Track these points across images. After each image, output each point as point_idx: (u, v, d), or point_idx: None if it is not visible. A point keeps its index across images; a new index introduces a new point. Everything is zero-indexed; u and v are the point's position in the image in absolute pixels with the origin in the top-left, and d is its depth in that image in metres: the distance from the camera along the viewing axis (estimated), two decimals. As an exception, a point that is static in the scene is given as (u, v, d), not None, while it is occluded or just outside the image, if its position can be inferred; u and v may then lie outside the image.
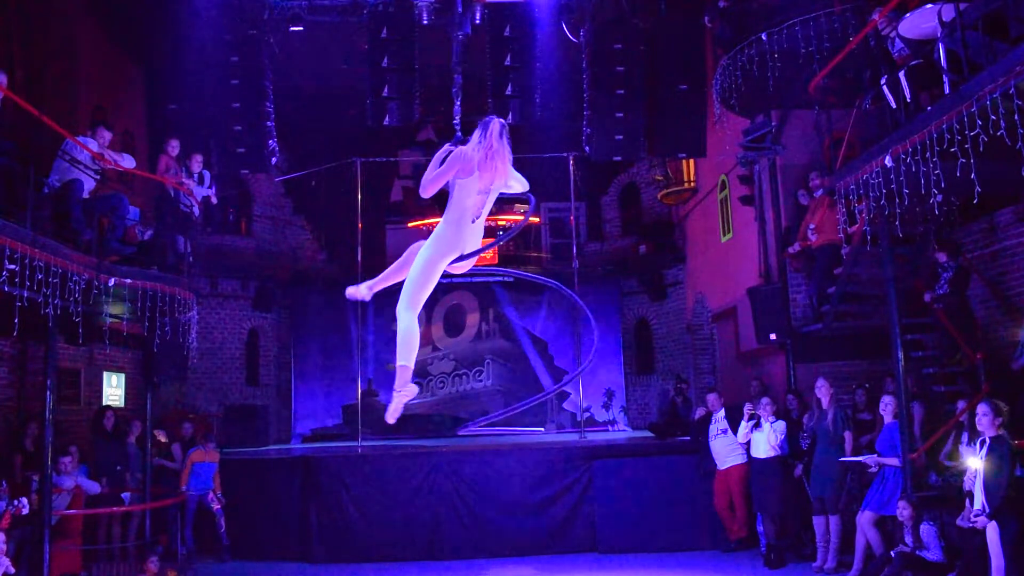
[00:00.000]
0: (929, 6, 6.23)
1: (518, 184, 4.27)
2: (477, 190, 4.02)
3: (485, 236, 4.37)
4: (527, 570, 9.26)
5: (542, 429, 5.12)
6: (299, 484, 10.16)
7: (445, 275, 4.20)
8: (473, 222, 4.07)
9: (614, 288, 15.62)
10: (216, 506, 9.87)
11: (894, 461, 7.49)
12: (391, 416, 4.00)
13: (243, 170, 11.99)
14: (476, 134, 4.03)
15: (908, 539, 6.78)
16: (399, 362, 3.91)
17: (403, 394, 3.91)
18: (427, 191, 4.12)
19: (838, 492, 8.32)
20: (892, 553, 6.93)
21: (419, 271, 4.00)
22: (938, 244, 8.04)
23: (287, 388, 14.98)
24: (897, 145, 6.28)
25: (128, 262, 8.13)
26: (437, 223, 4.17)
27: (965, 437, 7.13)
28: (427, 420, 14.59)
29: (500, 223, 14.17)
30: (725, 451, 9.29)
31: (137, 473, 9.75)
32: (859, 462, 8.00)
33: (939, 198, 6.10)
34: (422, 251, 4.06)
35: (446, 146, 4.15)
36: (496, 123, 4.04)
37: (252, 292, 14.56)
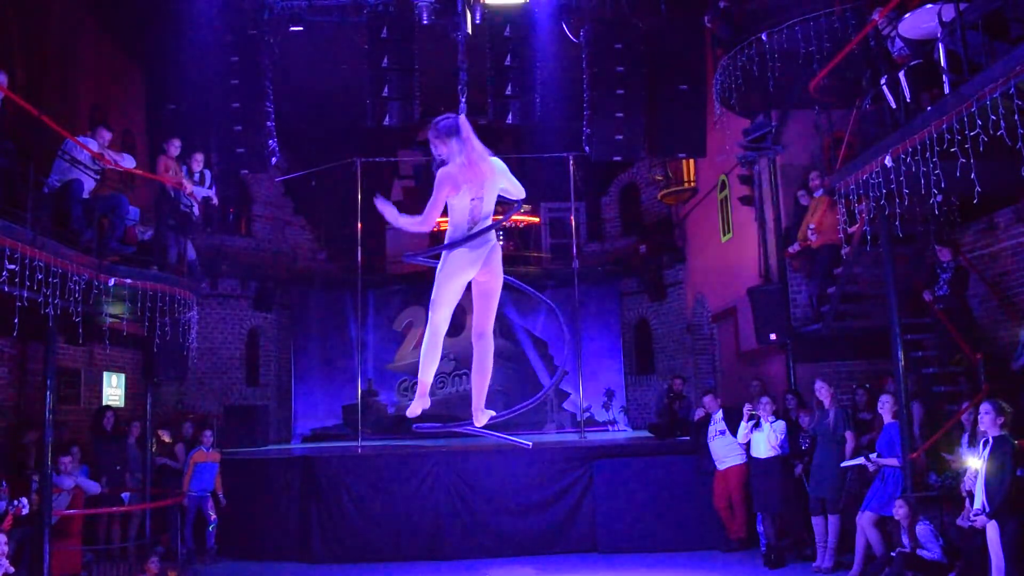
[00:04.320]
0: (929, 6, 6.23)
1: (514, 188, 3.99)
2: (470, 198, 3.79)
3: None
4: (527, 570, 9.26)
5: (528, 444, 4.98)
6: (299, 484, 10.15)
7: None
8: (470, 231, 3.79)
9: (614, 288, 15.62)
10: (213, 516, 9.90)
11: (893, 462, 7.49)
12: (409, 412, 4.10)
13: (243, 170, 11.98)
14: (452, 144, 3.76)
15: (904, 538, 6.78)
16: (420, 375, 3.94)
17: (415, 405, 3.99)
18: (428, 223, 3.81)
19: (838, 492, 8.32)
20: (893, 554, 6.93)
21: (435, 294, 3.86)
22: (940, 242, 8.04)
23: (287, 388, 14.98)
24: (897, 145, 6.29)
25: (128, 262, 8.13)
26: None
27: (965, 438, 7.13)
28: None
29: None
30: (724, 451, 9.30)
31: (137, 473, 9.76)
32: (859, 464, 8.00)
33: (939, 198, 6.10)
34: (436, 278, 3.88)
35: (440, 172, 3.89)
36: (464, 123, 3.77)
37: (252, 292, 14.56)
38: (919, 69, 6.51)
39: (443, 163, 3.82)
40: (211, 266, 13.47)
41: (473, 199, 3.78)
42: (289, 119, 12.07)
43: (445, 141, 3.79)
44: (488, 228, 3.81)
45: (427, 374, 3.92)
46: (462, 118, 3.81)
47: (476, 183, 3.77)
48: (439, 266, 3.87)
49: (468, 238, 3.75)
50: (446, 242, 3.83)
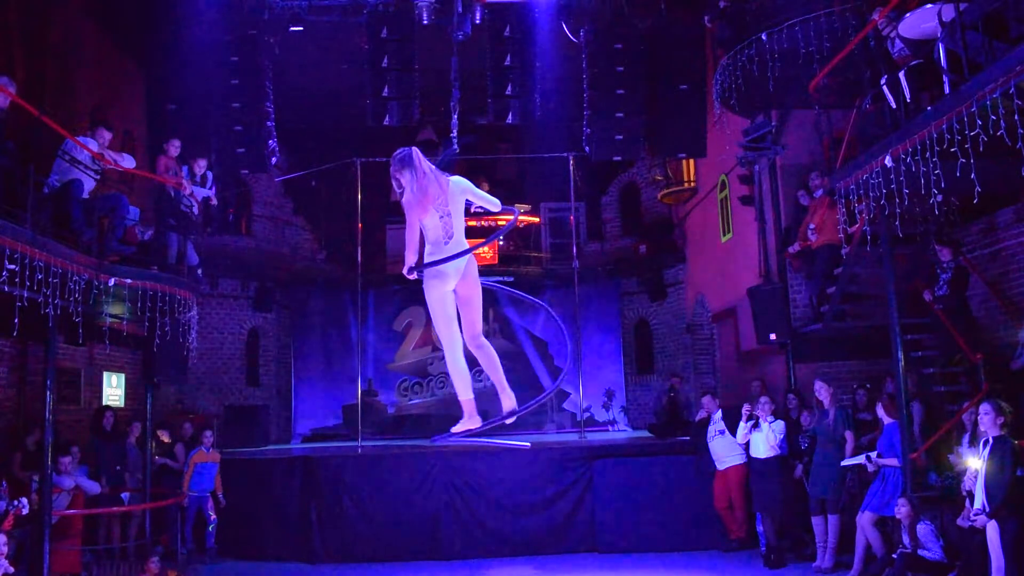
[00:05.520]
0: (929, 6, 6.23)
1: (485, 202, 4.37)
2: (439, 216, 4.15)
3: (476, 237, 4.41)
4: (527, 570, 9.26)
5: (528, 445, 5.22)
6: (299, 484, 10.15)
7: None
8: (447, 244, 4.16)
9: (614, 288, 15.62)
10: (212, 516, 9.90)
11: (893, 462, 7.49)
12: (454, 429, 4.40)
13: (243, 170, 12.00)
14: (407, 174, 4.12)
15: (905, 538, 6.79)
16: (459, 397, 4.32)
17: (464, 424, 4.29)
18: (412, 247, 4.13)
19: (838, 492, 8.32)
20: (895, 555, 6.93)
21: (432, 315, 4.23)
22: (940, 242, 8.04)
23: (287, 388, 14.98)
24: (897, 145, 6.28)
25: (128, 262, 8.13)
26: None
27: (966, 438, 7.13)
28: (427, 420, 14.59)
29: (500, 222, 14.17)
30: (724, 451, 9.30)
31: (137, 473, 9.76)
32: (859, 464, 8.00)
33: (939, 198, 6.10)
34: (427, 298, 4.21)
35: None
36: (415, 154, 4.14)
37: (252, 292, 14.56)
38: (919, 69, 6.51)
39: (403, 192, 4.18)
40: (211, 266, 13.48)
41: (442, 216, 4.15)
42: (289, 119, 12.07)
43: (402, 171, 4.15)
44: (466, 252, 4.13)
45: (464, 391, 4.31)
46: (415, 149, 4.19)
47: (439, 202, 4.13)
48: (424, 283, 4.20)
49: (451, 257, 4.06)
50: (425, 259, 4.17)
